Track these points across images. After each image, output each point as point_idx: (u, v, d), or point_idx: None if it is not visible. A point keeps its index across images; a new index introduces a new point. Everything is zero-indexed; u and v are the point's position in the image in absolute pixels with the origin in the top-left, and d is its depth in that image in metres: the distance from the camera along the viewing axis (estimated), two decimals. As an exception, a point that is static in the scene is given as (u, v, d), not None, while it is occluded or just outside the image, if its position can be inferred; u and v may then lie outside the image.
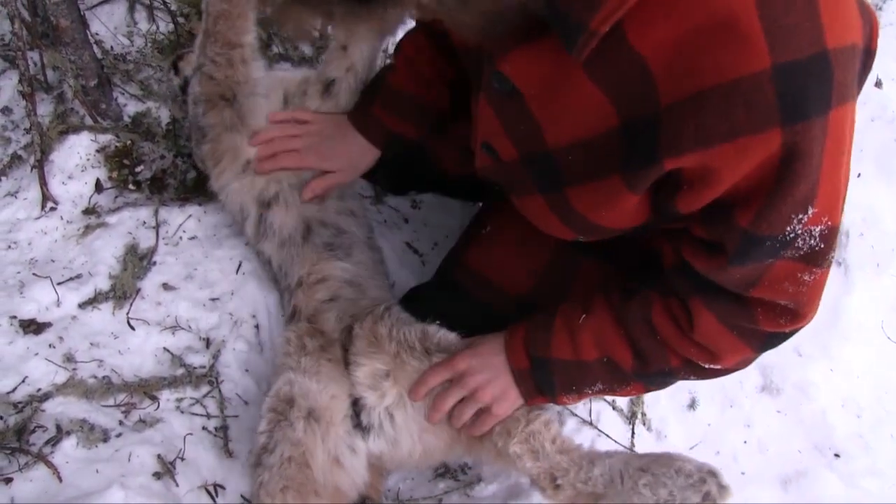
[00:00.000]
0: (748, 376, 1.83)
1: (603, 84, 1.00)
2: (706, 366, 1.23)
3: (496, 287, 1.52)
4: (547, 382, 1.33)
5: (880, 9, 2.68)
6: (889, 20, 2.67)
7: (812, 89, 0.88)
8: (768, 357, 1.78)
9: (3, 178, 1.88)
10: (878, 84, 2.45)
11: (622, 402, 1.71)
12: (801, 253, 1.02)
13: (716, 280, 1.12)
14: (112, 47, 2.10)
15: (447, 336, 1.42)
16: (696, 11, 0.88)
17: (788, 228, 0.99)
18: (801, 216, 0.98)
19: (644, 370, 1.26)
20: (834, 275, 1.97)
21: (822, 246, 1.02)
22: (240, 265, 1.74)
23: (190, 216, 1.82)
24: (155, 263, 1.72)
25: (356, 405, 1.42)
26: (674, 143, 0.95)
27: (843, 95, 0.91)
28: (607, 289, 1.33)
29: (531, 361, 1.33)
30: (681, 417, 1.74)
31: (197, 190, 1.89)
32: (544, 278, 1.51)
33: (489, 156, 1.28)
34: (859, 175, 2.21)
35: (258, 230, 1.67)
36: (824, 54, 0.87)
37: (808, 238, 1.01)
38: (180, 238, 1.78)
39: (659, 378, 1.30)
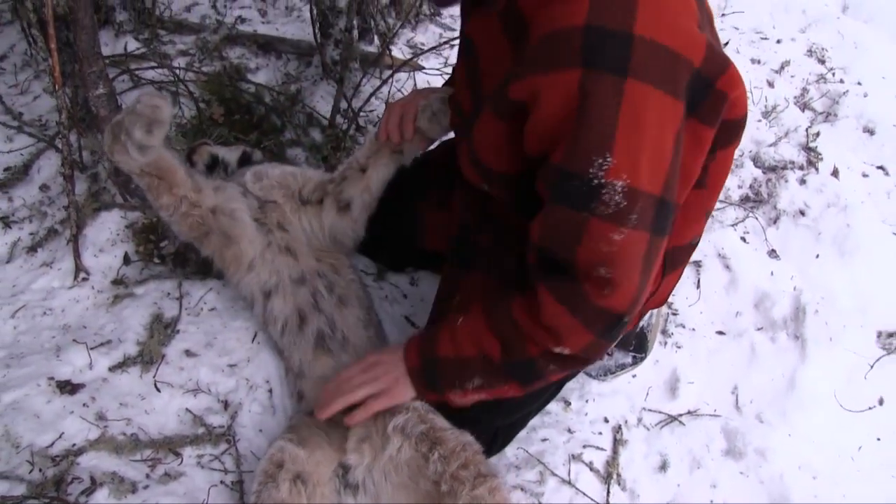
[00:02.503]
0: (714, 440, 1.96)
1: (503, 30, 1.29)
2: (556, 350, 1.37)
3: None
4: (434, 379, 1.51)
5: (837, 102, 2.90)
6: (845, 113, 2.89)
7: (609, 53, 1.15)
8: (733, 422, 1.95)
9: (40, 250, 2.03)
10: (835, 174, 2.65)
11: (599, 463, 1.85)
12: (610, 211, 1.22)
13: (549, 241, 1.31)
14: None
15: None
16: None
17: (591, 171, 1.20)
18: (600, 160, 1.19)
19: (510, 360, 1.42)
20: (791, 348, 2.15)
21: (626, 203, 1.21)
22: (255, 335, 1.88)
23: (210, 289, 1.97)
24: (178, 332, 1.86)
25: (343, 467, 1.56)
26: (518, 73, 1.21)
27: (645, 77, 1.15)
28: (485, 296, 1.52)
29: (422, 361, 1.52)
30: (653, 478, 1.87)
31: (214, 272, 2.04)
32: None
33: (456, 114, 1.55)
34: (818, 256, 2.40)
35: (263, 317, 1.83)
36: (628, 35, 1.14)
37: (613, 194, 1.20)
38: (201, 309, 1.93)
39: (525, 370, 1.44)
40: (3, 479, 1.48)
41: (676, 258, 1.63)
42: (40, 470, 1.52)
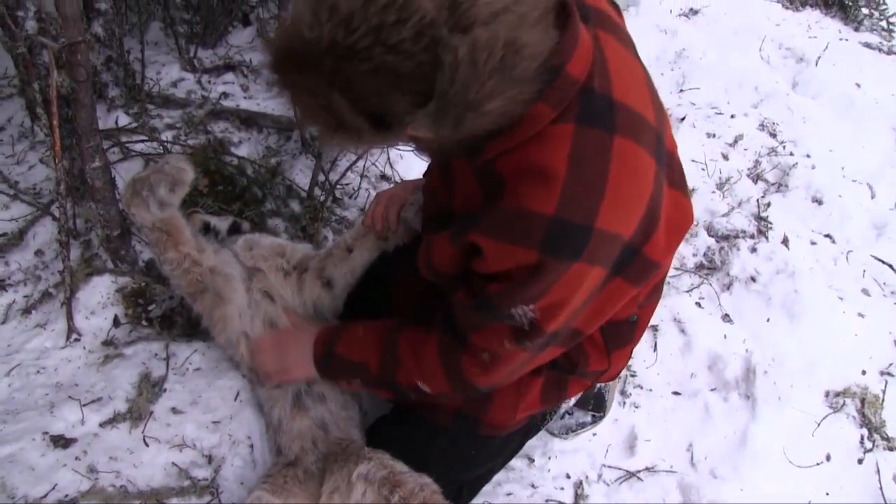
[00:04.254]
0: (670, 495, 2.12)
1: (477, 178, 1.43)
2: (419, 384, 1.65)
3: (436, 406, 1.83)
4: (328, 368, 1.85)
5: (787, 174, 3.10)
6: (795, 184, 3.11)
7: (568, 244, 1.30)
8: (688, 478, 2.11)
9: (34, 312, 2.17)
10: (785, 242, 2.86)
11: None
12: (513, 324, 1.41)
13: (458, 317, 1.53)
14: (132, 202, 2.43)
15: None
16: (532, 157, 1.30)
17: (514, 310, 1.39)
18: (524, 307, 1.38)
19: (383, 377, 1.73)
20: (742, 407, 2.32)
21: (527, 330, 1.41)
22: (237, 394, 2.01)
23: (195, 350, 2.10)
24: (165, 390, 1.98)
25: None
26: (482, 227, 1.37)
27: (591, 259, 1.32)
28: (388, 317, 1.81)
29: (323, 352, 1.84)
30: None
31: (201, 328, 2.17)
32: None
33: (432, 200, 1.76)
34: (768, 320, 2.58)
35: (252, 375, 1.99)
36: (588, 227, 1.30)
37: (523, 320, 1.40)
38: (187, 369, 2.06)
39: (392, 387, 1.74)
40: (0, 529, 1.59)
41: (619, 334, 1.79)
42: (35, 520, 1.63)
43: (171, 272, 1.91)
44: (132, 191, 1.81)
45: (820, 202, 3.08)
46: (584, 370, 1.81)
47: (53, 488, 1.70)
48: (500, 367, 1.53)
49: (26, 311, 2.17)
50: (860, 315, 2.66)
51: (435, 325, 1.61)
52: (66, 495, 1.70)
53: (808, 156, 3.29)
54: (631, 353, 1.95)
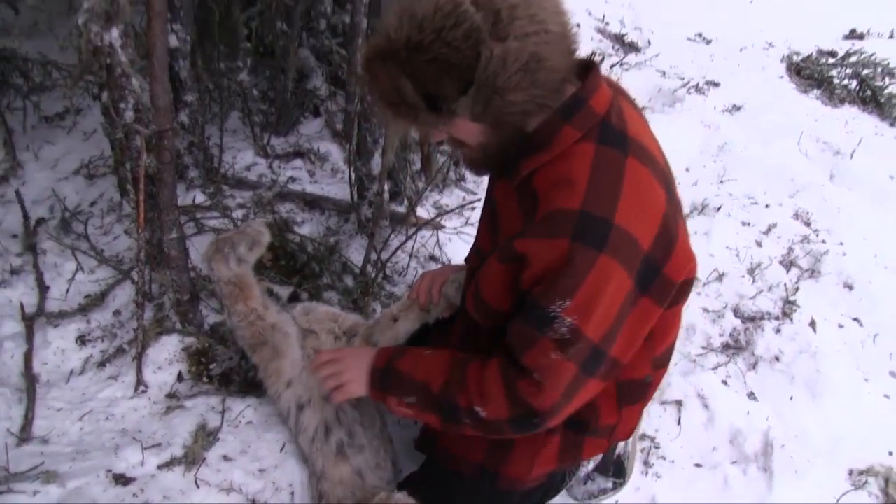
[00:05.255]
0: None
1: (518, 201, 1.65)
2: (477, 409, 1.68)
3: (459, 457, 1.94)
4: (386, 383, 1.85)
5: (819, 260, 3.15)
6: (827, 270, 3.17)
7: (594, 232, 1.48)
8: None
9: (108, 365, 2.37)
10: (813, 324, 2.90)
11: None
12: (556, 336, 1.53)
13: (511, 342, 1.63)
14: (201, 271, 2.65)
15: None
16: (560, 169, 1.55)
17: (552, 307, 1.51)
18: (560, 303, 1.50)
19: (443, 397, 1.74)
20: (759, 479, 2.36)
21: (569, 337, 1.52)
22: (283, 446, 2.15)
23: (249, 406, 2.26)
24: (219, 439, 2.13)
25: None
26: (526, 233, 1.56)
27: (615, 254, 1.49)
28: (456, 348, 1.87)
29: (384, 365, 1.87)
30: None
31: (255, 387, 2.32)
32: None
33: (476, 256, 1.93)
34: (791, 398, 2.62)
35: (297, 427, 2.12)
36: (609, 221, 1.49)
37: (562, 325, 1.51)
38: (240, 422, 2.22)
39: (449, 411, 1.74)
40: (64, 554, 1.75)
41: (632, 392, 1.89)
42: (95, 548, 1.78)
43: (237, 323, 2.10)
44: (215, 248, 2.05)
45: (851, 287, 3.12)
46: (595, 425, 1.90)
47: (114, 521, 1.86)
48: (551, 383, 1.60)
49: (101, 364, 2.38)
50: (886, 396, 2.67)
51: (496, 352, 1.72)
52: (123, 528, 1.85)
53: (841, 243, 3.34)
54: (641, 412, 2.03)
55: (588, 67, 1.62)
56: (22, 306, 2.53)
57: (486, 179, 1.97)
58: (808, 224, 3.47)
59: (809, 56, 4.99)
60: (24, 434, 2.11)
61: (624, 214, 1.50)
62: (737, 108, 4.26)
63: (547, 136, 1.57)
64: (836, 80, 4.66)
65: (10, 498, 1.82)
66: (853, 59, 4.68)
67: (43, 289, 2.62)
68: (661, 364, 1.92)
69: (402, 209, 3.16)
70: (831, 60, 4.85)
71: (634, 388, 1.89)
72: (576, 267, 1.49)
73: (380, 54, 1.47)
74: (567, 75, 1.54)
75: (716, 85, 4.51)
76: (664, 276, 1.60)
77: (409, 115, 1.52)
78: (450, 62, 1.41)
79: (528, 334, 1.59)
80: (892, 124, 4.30)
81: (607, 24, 5.17)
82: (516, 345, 1.63)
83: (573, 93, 1.58)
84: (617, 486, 2.32)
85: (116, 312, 2.54)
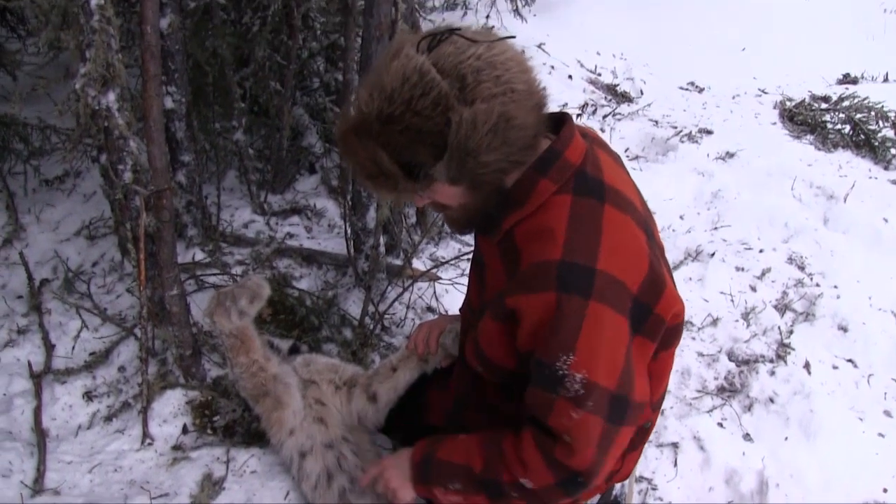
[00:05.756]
0: None
1: (501, 256, 1.79)
2: (522, 481, 1.74)
3: None
4: (428, 474, 1.92)
5: (814, 303, 3.36)
6: (821, 313, 3.36)
7: (578, 281, 1.60)
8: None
9: (115, 419, 2.58)
10: (807, 366, 3.10)
11: None
12: (571, 395, 1.62)
13: (530, 410, 1.72)
14: (203, 326, 2.87)
15: None
16: (539, 222, 1.68)
17: (558, 364, 1.61)
18: (564, 357, 1.60)
19: (486, 476, 1.81)
20: (755, 519, 2.52)
21: (583, 392, 1.61)
22: (287, 494, 2.32)
23: (252, 455, 2.44)
24: (224, 489, 2.31)
25: None
26: (513, 289, 1.70)
27: (604, 300, 1.61)
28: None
29: (422, 456, 1.94)
30: None
31: (258, 437, 2.52)
32: None
33: (468, 310, 2.08)
34: (786, 438, 2.79)
35: (300, 474, 2.29)
36: (591, 268, 1.61)
37: (573, 382, 1.61)
38: (244, 471, 2.40)
39: (494, 489, 1.81)
40: None
41: (633, 439, 1.99)
42: (108, 590, 1.97)
43: (240, 374, 2.29)
44: (217, 301, 2.24)
45: (845, 329, 3.29)
46: None
47: (125, 566, 2.04)
48: (583, 442, 1.66)
49: (108, 418, 2.59)
50: (880, 435, 2.83)
51: (525, 424, 1.80)
52: (136, 573, 2.04)
53: (836, 286, 3.52)
54: (639, 454, 2.19)
55: (561, 120, 1.77)
56: (30, 364, 2.76)
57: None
58: (802, 268, 3.66)
59: (802, 101, 5.26)
60: (37, 486, 2.30)
61: (606, 260, 1.62)
62: (730, 155, 4.51)
63: (524, 191, 1.70)
64: (829, 125, 4.90)
65: (27, 548, 2.02)
66: (846, 103, 4.93)
67: (49, 347, 2.85)
68: (658, 407, 2.08)
69: (398, 262, 3.37)
70: (824, 105, 5.12)
71: (636, 434, 2.00)
72: (567, 318, 1.60)
73: (354, 128, 1.61)
74: (538, 130, 1.66)
75: (709, 133, 4.77)
76: (656, 315, 1.73)
77: (389, 185, 1.66)
78: (421, 130, 1.54)
79: (544, 398, 1.67)
80: (886, 167, 4.53)
81: (599, 74, 5.48)
82: (537, 409, 1.70)
83: (548, 146, 1.71)
84: (614, 528, 2.48)
85: (121, 368, 2.76)
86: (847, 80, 5.77)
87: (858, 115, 4.81)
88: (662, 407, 2.86)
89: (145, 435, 2.49)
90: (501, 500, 1.82)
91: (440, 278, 3.33)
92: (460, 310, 2.41)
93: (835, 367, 3.12)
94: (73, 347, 2.87)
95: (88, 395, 2.67)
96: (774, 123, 5.05)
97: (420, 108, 1.52)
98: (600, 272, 1.61)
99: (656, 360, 1.87)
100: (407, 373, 2.37)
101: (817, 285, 3.54)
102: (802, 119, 5.00)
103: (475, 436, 1.90)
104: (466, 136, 1.54)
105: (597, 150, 1.84)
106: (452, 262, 3.42)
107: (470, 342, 1.96)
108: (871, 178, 4.38)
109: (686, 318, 3.26)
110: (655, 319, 1.73)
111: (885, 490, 2.65)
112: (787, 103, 5.27)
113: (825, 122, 4.91)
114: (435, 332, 2.33)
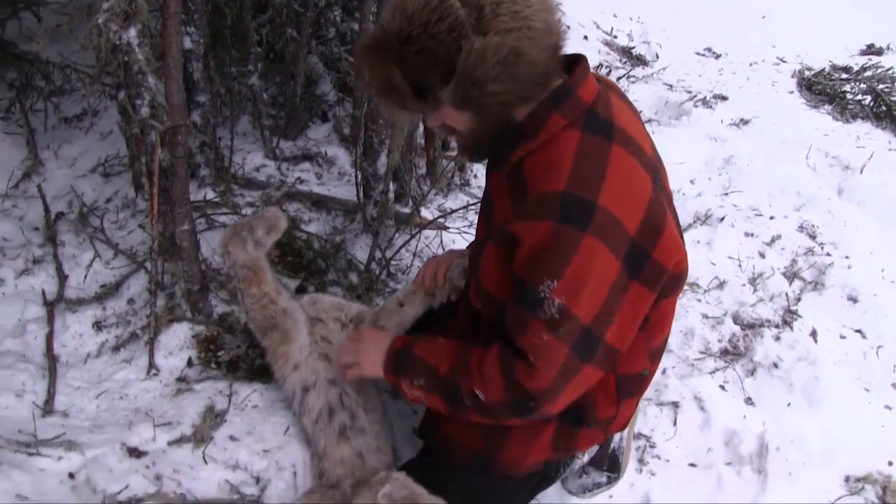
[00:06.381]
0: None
1: (509, 189, 1.81)
2: (477, 391, 1.80)
3: (457, 444, 2.10)
4: (400, 364, 2.00)
5: (823, 273, 3.34)
6: (831, 283, 3.33)
7: (577, 212, 1.64)
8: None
9: (122, 349, 2.62)
10: (814, 334, 3.09)
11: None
12: (546, 317, 1.67)
13: (506, 325, 1.77)
14: (211, 263, 2.89)
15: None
16: (547, 155, 1.72)
17: (541, 286, 1.66)
18: (549, 282, 1.65)
19: (448, 379, 1.87)
20: (753, 480, 2.53)
21: (558, 317, 1.66)
22: (287, 429, 2.35)
23: (255, 390, 2.47)
24: (226, 421, 2.34)
25: None
26: (517, 216, 1.73)
27: (600, 235, 1.64)
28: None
29: (401, 346, 2.02)
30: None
31: (261, 374, 2.55)
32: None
33: (476, 243, 2.11)
34: (789, 404, 2.79)
35: (301, 409, 2.31)
36: (592, 202, 1.65)
37: (551, 306, 1.66)
38: (246, 405, 2.42)
39: (453, 393, 1.87)
40: (82, 514, 1.97)
41: (630, 385, 2.06)
42: (111, 512, 2.01)
43: (251, 305, 2.29)
44: (232, 232, 2.25)
45: (855, 300, 3.27)
46: (593, 418, 2.06)
47: (126, 487, 2.06)
48: (544, 364, 1.71)
49: (116, 348, 2.62)
50: (887, 407, 2.82)
51: (496, 339, 1.86)
52: (135, 495, 2.06)
53: (847, 257, 3.49)
54: (637, 403, 2.22)
55: (576, 61, 1.80)
56: (44, 293, 2.80)
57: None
58: (813, 237, 3.63)
59: (822, 71, 5.20)
60: (48, 407, 2.35)
61: (608, 197, 1.66)
62: (744, 122, 4.47)
63: (535, 124, 1.74)
64: (849, 95, 4.85)
65: (39, 461, 2.06)
66: (868, 73, 4.87)
67: (62, 277, 2.88)
68: (657, 357, 2.09)
69: (406, 210, 3.38)
70: (844, 76, 5.05)
71: (632, 381, 2.05)
72: (562, 247, 1.66)
73: (374, 44, 1.67)
74: (550, 69, 1.69)
75: (724, 99, 4.73)
76: (654, 260, 1.75)
77: (398, 102, 1.71)
78: (435, 53, 1.59)
79: (521, 316, 1.74)
80: (906, 140, 4.47)
81: (615, 37, 5.43)
82: (511, 328, 1.78)
83: (560, 83, 1.74)
84: (611, 481, 2.50)
85: (130, 301, 2.78)
86: (871, 50, 5.68)
87: (881, 86, 4.74)
88: (664, 367, 2.89)
89: (151, 365, 2.52)
90: (456, 407, 1.89)
91: (447, 228, 3.34)
92: (468, 247, 2.42)
93: (842, 337, 3.10)
94: (85, 278, 2.90)
95: (98, 325, 2.70)
96: (792, 92, 5.00)
97: (436, 32, 1.57)
98: (600, 207, 1.65)
99: (657, 308, 1.88)
100: (414, 307, 2.39)
101: (828, 255, 3.51)
102: (821, 89, 4.94)
103: (451, 342, 1.95)
104: (474, 65, 1.57)
105: (611, 94, 1.86)
106: (461, 211, 3.42)
107: (472, 283, 2.00)
108: (890, 150, 4.33)
109: (692, 279, 3.29)
110: (654, 266, 1.75)
111: (889, 463, 2.63)
112: (806, 72, 5.20)
113: (844, 92, 4.85)
114: (442, 267, 2.36)
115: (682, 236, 1.92)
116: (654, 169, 1.83)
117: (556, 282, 1.66)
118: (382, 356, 2.04)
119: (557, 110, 1.73)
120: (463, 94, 1.64)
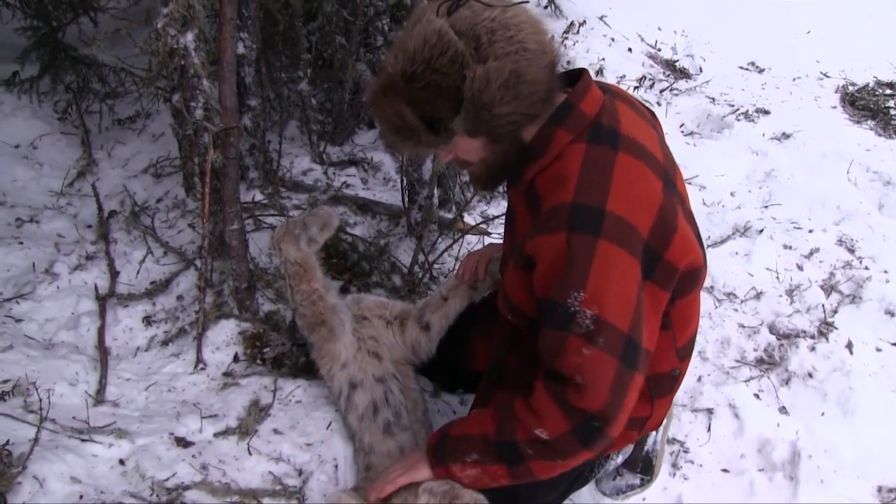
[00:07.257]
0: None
1: (526, 206, 1.85)
2: (537, 432, 1.72)
3: None
4: (443, 451, 1.92)
5: (861, 286, 3.32)
6: (869, 297, 3.31)
7: (586, 220, 1.66)
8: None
9: (171, 344, 2.68)
10: (849, 346, 3.07)
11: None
12: (582, 331, 1.65)
13: (542, 353, 1.74)
14: (259, 262, 2.95)
15: None
16: (556, 170, 1.75)
17: (569, 300, 1.65)
18: (575, 294, 1.64)
19: (501, 438, 1.80)
20: (785, 486, 2.53)
21: (594, 328, 1.64)
22: (330, 423, 2.39)
23: (298, 386, 2.52)
24: (270, 415, 2.40)
25: None
26: (530, 234, 1.75)
27: (614, 240, 1.65)
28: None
29: (437, 438, 1.97)
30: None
31: (305, 370, 2.60)
32: None
33: (503, 257, 2.14)
34: (823, 414, 2.78)
35: (347, 405, 2.35)
36: (601, 209, 1.66)
37: (584, 318, 1.64)
38: (290, 400, 2.48)
39: (510, 450, 1.80)
40: (132, 498, 2.02)
41: (660, 385, 2.06)
42: (157, 496, 2.05)
43: (300, 302, 2.34)
44: (286, 229, 2.31)
45: (892, 314, 3.25)
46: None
47: (173, 475, 2.12)
48: (593, 379, 1.66)
49: (165, 342, 2.69)
50: (924, 421, 2.80)
51: (535, 377, 1.82)
52: (182, 482, 2.11)
53: (886, 271, 3.46)
54: (670, 403, 2.23)
55: (579, 76, 1.84)
56: (96, 287, 2.88)
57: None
58: (851, 251, 3.61)
59: (865, 86, 5.16)
60: (99, 397, 2.42)
61: (616, 202, 1.67)
62: (786, 136, 4.45)
63: (542, 142, 1.78)
64: (892, 111, 4.81)
65: (91, 447, 2.13)
66: (912, 90, 4.83)
67: (114, 273, 2.97)
68: (686, 355, 2.10)
69: (449, 215, 3.43)
70: (889, 91, 5.02)
71: (663, 380, 2.06)
72: (577, 256, 1.66)
73: (382, 88, 1.72)
74: (551, 86, 1.74)
75: (766, 113, 4.71)
76: (666, 261, 1.76)
77: (413, 138, 1.76)
78: (440, 86, 1.64)
79: (556, 337, 1.69)
80: (950, 156, 4.41)
81: (659, 49, 5.42)
82: (548, 353, 1.72)
83: (563, 99, 1.78)
84: (644, 483, 2.51)
85: (179, 297, 2.86)
86: (918, 67, 5.60)
87: (925, 103, 4.69)
88: (699, 374, 2.90)
89: (199, 360, 2.58)
90: (519, 464, 1.82)
91: (489, 233, 3.38)
92: None
93: (878, 350, 3.08)
94: (137, 274, 2.98)
95: (148, 320, 2.77)
96: (834, 107, 4.96)
97: (439, 66, 1.62)
98: (609, 212, 1.66)
99: (675, 307, 1.90)
100: (457, 301, 2.44)
101: (866, 268, 3.49)
102: (864, 104, 4.90)
103: (483, 409, 1.93)
104: (480, 90, 1.63)
105: (617, 102, 1.88)
106: (502, 217, 3.44)
107: (501, 290, 2.03)
108: (933, 166, 4.27)
109: (729, 290, 3.29)
110: (666, 266, 1.77)
111: (925, 477, 2.62)
112: (850, 87, 5.16)
113: (888, 107, 4.81)
114: (483, 261, 2.41)
115: (698, 236, 1.93)
116: (666, 173, 1.83)
117: (582, 292, 1.65)
118: (423, 455, 1.99)
119: (562, 126, 1.77)
120: (474, 120, 1.69)
